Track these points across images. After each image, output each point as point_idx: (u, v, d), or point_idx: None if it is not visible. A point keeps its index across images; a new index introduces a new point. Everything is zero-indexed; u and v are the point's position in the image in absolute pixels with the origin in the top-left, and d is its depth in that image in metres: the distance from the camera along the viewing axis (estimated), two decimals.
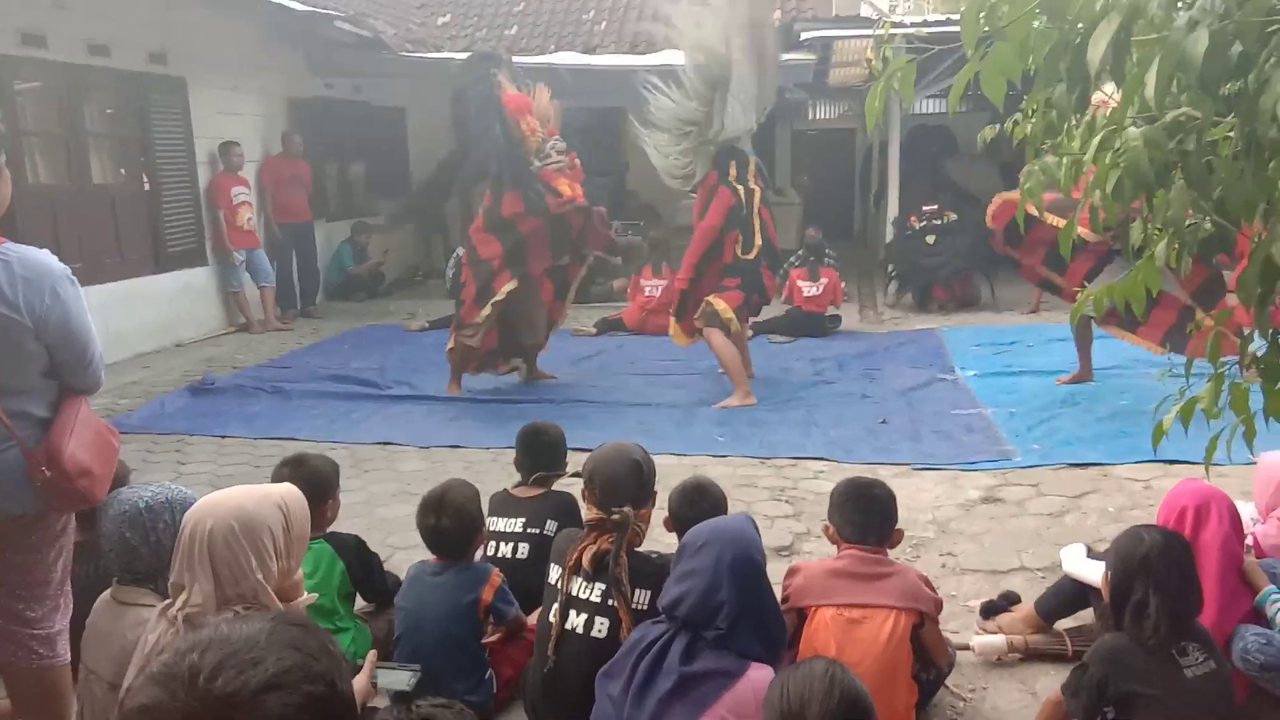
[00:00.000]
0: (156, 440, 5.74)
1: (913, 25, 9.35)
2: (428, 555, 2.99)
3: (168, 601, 1.96)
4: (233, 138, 8.95)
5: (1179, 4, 1.34)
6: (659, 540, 3.46)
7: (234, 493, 2.01)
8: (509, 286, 6.28)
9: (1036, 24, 1.67)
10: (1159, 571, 2.35)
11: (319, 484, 2.96)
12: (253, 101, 9.60)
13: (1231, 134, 1.79)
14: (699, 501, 2.87)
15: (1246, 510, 3.16)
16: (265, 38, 9.48)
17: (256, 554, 1.89)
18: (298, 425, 5.96)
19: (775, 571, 3.07)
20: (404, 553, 3.93)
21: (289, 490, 2.07)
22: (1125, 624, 2.39)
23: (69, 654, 2.48)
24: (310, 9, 9.03)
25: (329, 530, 3.10)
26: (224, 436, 5.80)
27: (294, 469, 2.95)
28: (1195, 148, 1.54)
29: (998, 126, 2.50)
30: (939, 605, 2.75)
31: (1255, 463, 3.37)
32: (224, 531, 1.88)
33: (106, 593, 2.31)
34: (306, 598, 2.10)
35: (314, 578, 2.88)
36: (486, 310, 6.29)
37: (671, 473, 4.37)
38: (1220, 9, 1.26)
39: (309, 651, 1.05)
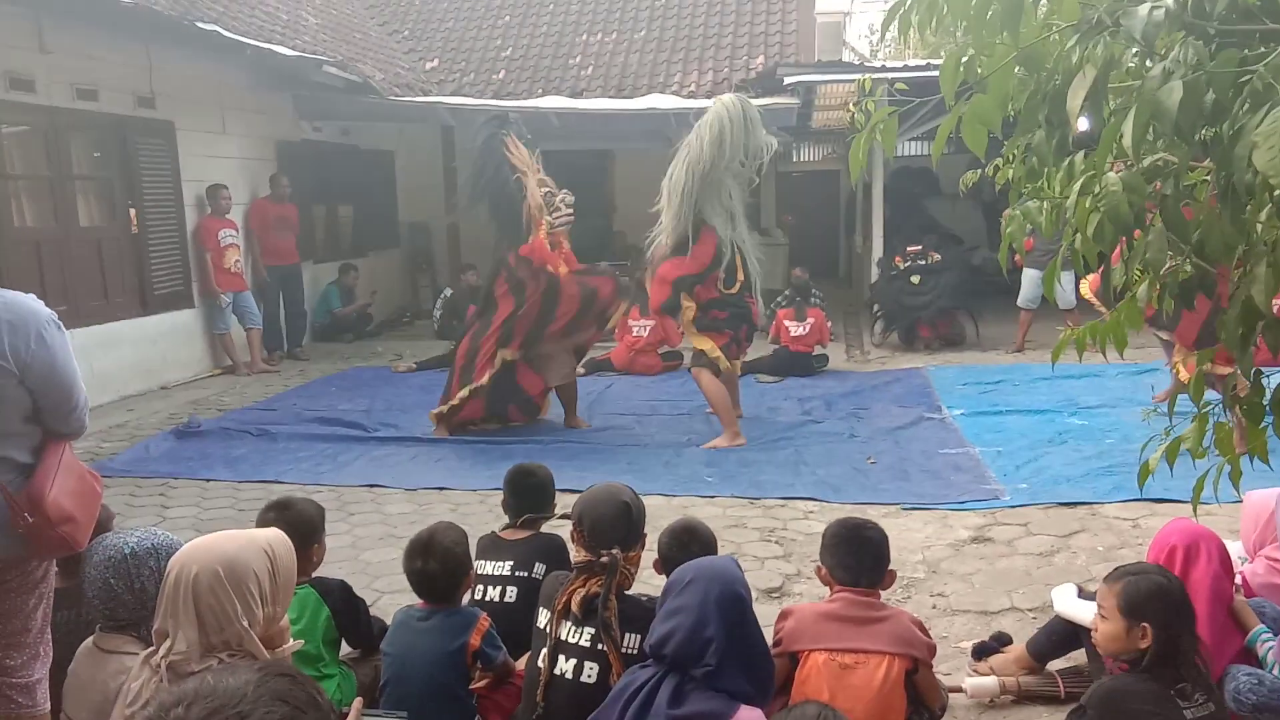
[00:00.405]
0: (140, 484, 5.68)
1: (894, 70, 9.51)
2: (414, 599, 2.96)
3: (151, 649, 1.93)
4: (220, 180, 8.98)
5: (1153, 55, 1.38)
6: (649, 583, 3.44)
7: (219, 538, 1.99)
8: (490, 372, 6.39)
9: (1017, 70, 1.71)
10: (1188, 610, 2.36)
11: (305, 528, 2.93)
12: (240, 145, 9.65)
13: (1208, 178, 1.82)
14: (689, 544, 2.85)
15: (1234, 549, 3.16)
16: (253, 82, 9.54)
17: (242, 600, 1.87)
18: (283, 468, 5.92)
19: (766, 614, 3.05)
20: (390, 597, 3.89)
21: (275, 535, 2.04)
22: (1152, 666, 2.35)
23: (49, 703, 2.44)
24: (298, 55, 9.13)
25: (314, 575, 3.06)
26: (208, 480, 5.74)
27: (280, 513, 2.92)
28: (1173, 192, 1.57)
29: (979, 171, 2.54)
30: (933, 650, 2.72)
31: (1241, 500, 3.38)
32: (209, 577, 1.86)
33: (89, 640, 2.26)
34: (292, 644, 2.07)
35: (299, 624, 2.83)
36: (464, 392, 6.40)
37: (660, 513, 4.36)
38: (1193, 60, 1.30)
39: (297, 704, 1.03)
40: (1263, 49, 1.33)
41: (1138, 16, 1.32)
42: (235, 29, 8.56)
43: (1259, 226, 1.60)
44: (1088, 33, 1.42)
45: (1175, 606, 2.37)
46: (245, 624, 1.86)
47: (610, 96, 11.16)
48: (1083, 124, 1.91)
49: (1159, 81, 1.28)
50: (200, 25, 7.81)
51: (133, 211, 8.23)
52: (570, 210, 6.56)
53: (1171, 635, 2.33)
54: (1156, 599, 2.37)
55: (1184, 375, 6.09)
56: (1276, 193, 1.39)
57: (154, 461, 6.12)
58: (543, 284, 6.38)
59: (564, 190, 6.59)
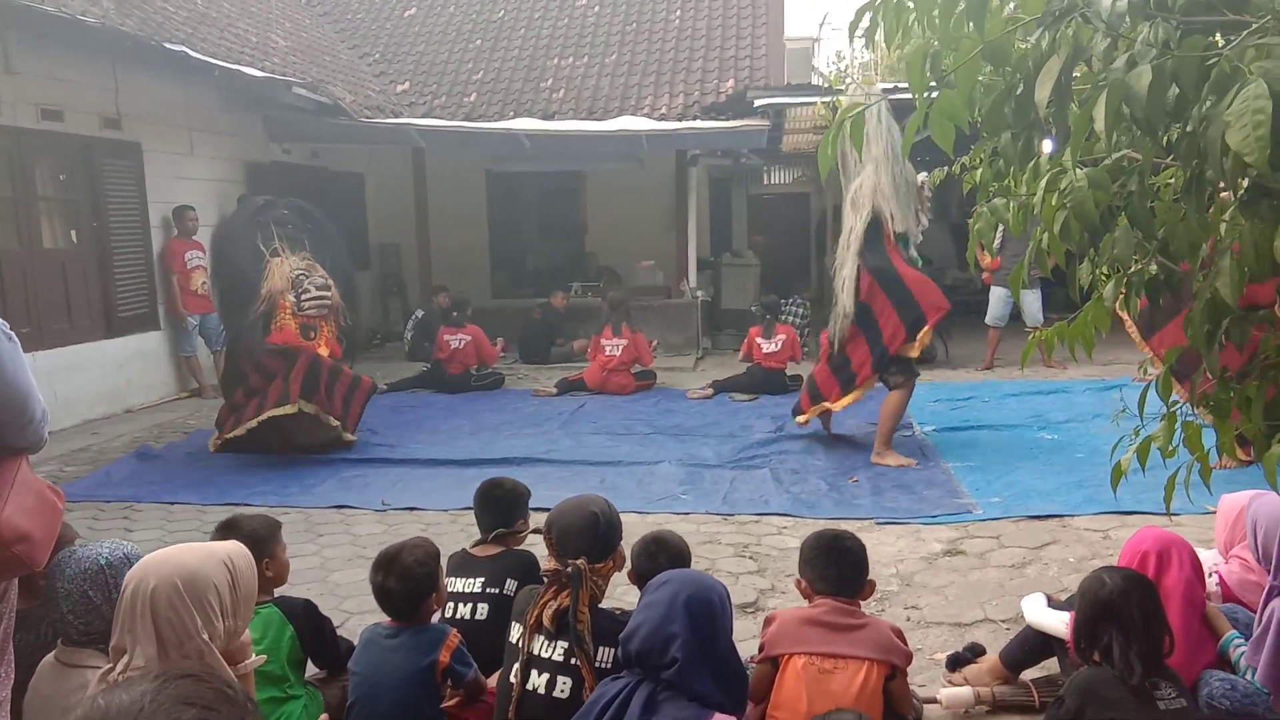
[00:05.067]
0: (102, 508, 5.56)
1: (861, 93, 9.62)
2: (385, 619, 2.91)
3: (109, 666, 1.87)
4: (188, 202, 8.88)
5: (1118, 46, 1.39)
6: (624, 599, 3.41)
7: (177, 550, 1.94)
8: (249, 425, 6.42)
9: (981, 77, 1.73)
10: (1122, 613, 2.36)
11: (254, 545, 2.87)
12: (208, 166, 9.57)
13: (1171, 181, 1.85)
14: (657, 554, 2.84)
15: (1206, 557, 3.19)
16: (222, 103, 9.49)
17: (202, 613, 1.82)
18: (249, 491, 5.82)
19: (743, 629, 3.04)
20: (359, 618, 3.82)
21: (235, 547, 2.00)
22: (1095, 664, 2.40)
23: None
24: (266, 76, 9.09)
25: (277, 594, 3.00)
26: (172, 503, 5.64)
27: (225, 534, 2.86)
28: (1138, 189, 1.59)
29: (945, 170, 2.56)
30: (909, 658, 2.72)
31: (1211, 511, 3.42)
32: (167, 590, 1.81)
33: (50, 656, 2.21)
34: (255, 660, 2.02)
35: (262, 644, 2.76)
36: (239, 431, 6.43)
37: (634, 531, 4.31)
38: (1160, 40, 1.31)
39: (205, 703, 0.95)
40: (1225, 39, 1.36)
41: (1103, 5, 1.34)
42: (203, 50, 8.51)
43: (1222, 226, 1.62)
44: (1056, 19, 1.43)
45: (1106, 603, 2.45)
46: (205, 637, 1.81)
47: (582, 119, 11.19)
48: (1048, 146, 1.95)
49: (1125, 69, 1.30)
50: (168, 46, 7.75)
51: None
52: (324, 292, 6.53)
53: (1093, 628, 2.45)
54: (1089, 593, 2.49)
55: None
56: (1246, 181, 1.40)
57: (116, 485, 6.00)
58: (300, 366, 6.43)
59: (319, 273, 6.59)
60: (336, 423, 6.61)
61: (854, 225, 6.04)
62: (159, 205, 8.73)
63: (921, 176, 6.30)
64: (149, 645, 1.80)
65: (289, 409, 6.32)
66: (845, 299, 6.09)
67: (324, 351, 6.52)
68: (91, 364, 7.87)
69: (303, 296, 6.41)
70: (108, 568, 2.24)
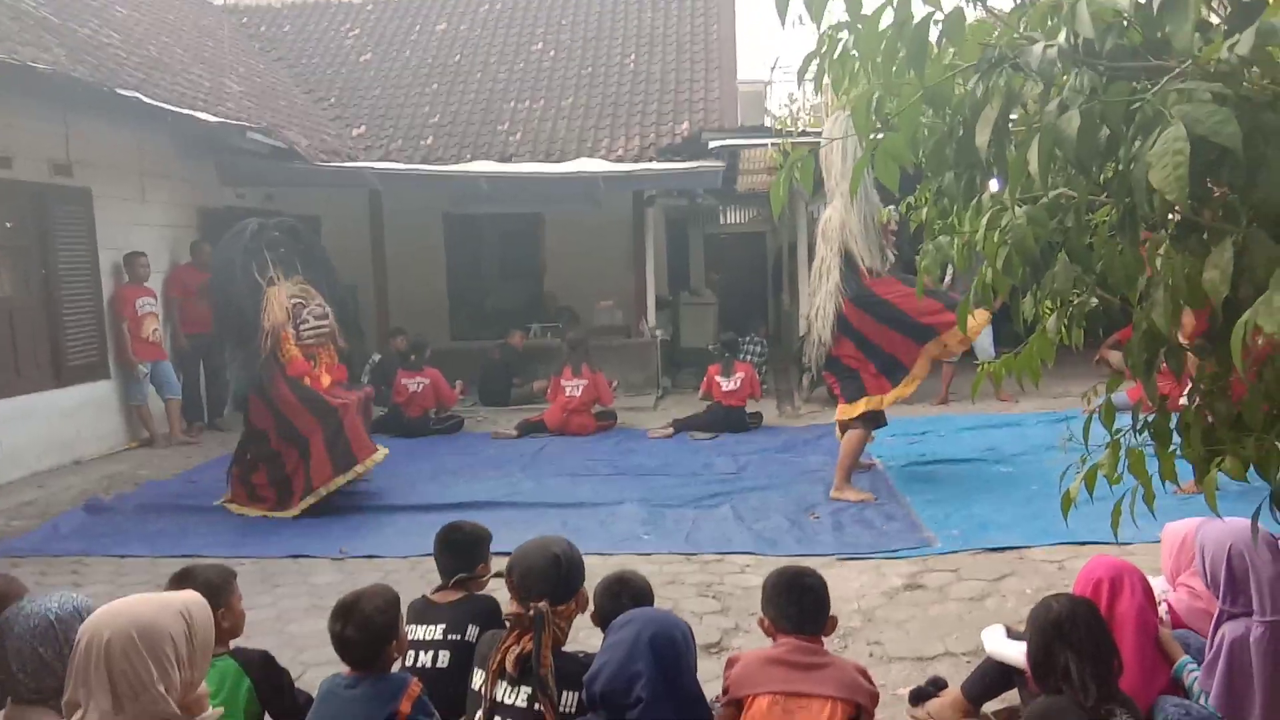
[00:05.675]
0: (50, 563, 5.41)
1: (814, 135, 9.84)
2: (344, 670, 2.86)
3: None
4: (140, 248, 8.77)
5: (1050, 93, 1.47)
6: (586, 642, 3.38)
7: (132, 601, 1.90)
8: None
9: (924, 120, 1.79)
10: (1072, 635, 2.40)
11: (209, 594, 2.81)
12: (161, 212, 9.47)
13: (1107, 219, 1.92)
14: (620, 594, 2.83)
15: (1155, 584, 3.25)
16: (175, 149, 9.43)
17: (158, 664, 1.78)
18: (203, 542, 5.70)
19: (707, 670, 3.02)
20: (317, 669, 3.75)
21: (191, 597, 1.96)
22: (1055, 690, 2.42)
23: None
24: (220, 121, 9.05)
25: (233, 645, 2.94)
26: (124, 556, 5.50)
27: (180, 584, 2.81)
28: (1075, 224, 1.66)
29: (893, 209, 2.63)
30: (875, 699, 2.71)
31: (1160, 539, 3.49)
32: (122, 642, 1.77)
33: (0, 714, 2.14)
34: (211, 713, 1.98)
35: (218, 696, 2.71)
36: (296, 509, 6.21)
37: (596, 572, 4.28)
38: (1087, 88, 1.38)
39: None
40: (1149, 83, 1.43)
41: (1033, 54, 1.41)
42: (157, 96, 8.45)
43: (1158, 260, 1.69)
44: (990, 68, 1.50)
45: (1055, 625, 2.48)
46: (161, 689, 1.77)
47: (539, 161, 11.27)
48: (994, 185, 2.02)
49: (1057, 114, 1.36)
50: (120, 92, 7.70)
51: (46, 287, 7.93)
52: (322, 321, 6.51)
53: (1047, 653, 2.47)
54: (1039, 619, 2.52)
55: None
56: (1171, 217, 1.47)
57: (65, 539, 5.84)
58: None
59: (316, 300, 6.57)
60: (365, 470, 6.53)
61: (825, 256, 6.14)
62: (110, 252, 8.60)
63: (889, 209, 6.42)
64: (104, 699, 1.76)
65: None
66: (820, 328, 6.15)
67: (326, 380, 6.47)
68: (39, 414, 7.69)
69: (301, 327, 6.38)
70: (58, 623, 2.17)
